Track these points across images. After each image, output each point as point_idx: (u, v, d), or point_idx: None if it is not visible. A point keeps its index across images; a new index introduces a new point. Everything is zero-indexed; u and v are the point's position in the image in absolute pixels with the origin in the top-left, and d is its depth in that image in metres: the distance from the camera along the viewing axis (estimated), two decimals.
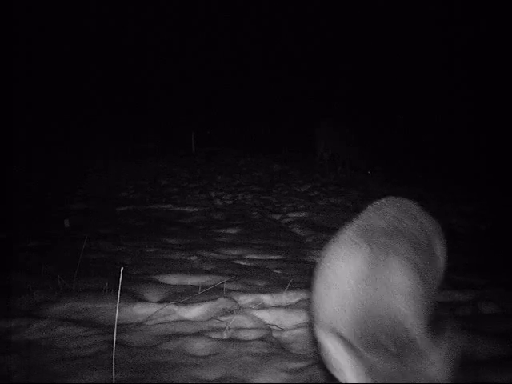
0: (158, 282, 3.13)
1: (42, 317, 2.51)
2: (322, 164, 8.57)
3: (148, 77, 15.94)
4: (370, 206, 1.91)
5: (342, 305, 1.37)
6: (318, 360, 2.10)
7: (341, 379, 1.29)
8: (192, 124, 12.27)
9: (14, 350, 2.16)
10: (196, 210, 5.70)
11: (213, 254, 3.85)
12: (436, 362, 1.17)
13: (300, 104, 14.85)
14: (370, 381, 1.17)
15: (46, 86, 13.63)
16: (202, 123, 13.60)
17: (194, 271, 3.36)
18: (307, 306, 2.71)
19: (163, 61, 16.35)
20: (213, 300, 2.74)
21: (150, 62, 16.27)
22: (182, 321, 2.54)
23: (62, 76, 14.16)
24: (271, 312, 2.65)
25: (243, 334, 2.40)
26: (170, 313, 2.62)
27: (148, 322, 2.53)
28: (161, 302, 2.78)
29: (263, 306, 2.77)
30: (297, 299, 2.87)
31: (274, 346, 2.28)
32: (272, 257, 3.89)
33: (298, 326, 2.52)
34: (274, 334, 2.44)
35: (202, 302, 2.73)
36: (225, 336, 2.38)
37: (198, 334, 2.36)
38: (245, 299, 2.84)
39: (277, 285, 3.10)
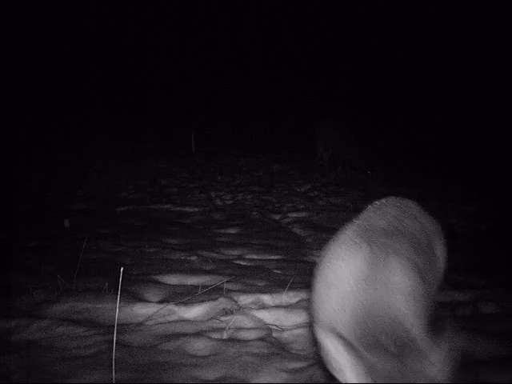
0: (157, 282, 3.13)
1: (42, 317, 2.51)
2: (322, 164, 8.57)
3: (148, 77, 15.94)
4: (369, 206, 1.91)
5: (341, 305, 1.37)
6: (318, 360, 2.10)
7: (341, 379, 1.29)
8: (192, 124, 12.27)
9: (13, 350, 2.16)
10: (196, 209, 5.70)
11: (213, 254, 3.85)
12: (436, 362, 1.17)
13: (300, 104, 14.85)
14: (370, 381, 1.17)
15: (46, 85, 13.63)
16: (202, 123, 13.60)
17: (194, 271, 3.36)
18: (307, 306, 2.71)
19: (163, 61, 16.35)
20: (213, 300, 2.74)
21: (150, 62, 16.27)
22: (182, 321, 2.54)
23: (62, 76, 14.16)
24: (271, 312, 2.65)
25: (243, 334, 2.40)
26: (169, 313, 2.62)
27: (148, 322, 2.53)
28: (161, 301, 2.78)
29: (263, 306, 2.77)
30: (297, 299, 2.87)
31: (274, 346, 2.28)
32: (272, 257, 3.89)
33: (297, 326, 2.52)
34: (274, 334, 2.44)
35: (202, 301, 2.73)
36: (225, 336, 2.38)
37: (198, 334, 2.36)
38: (245, 299, 2.84)
39: (277, 285, 3.10)
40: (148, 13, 16.38)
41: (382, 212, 1.79)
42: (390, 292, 1.35)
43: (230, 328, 2.44)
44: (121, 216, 5.27)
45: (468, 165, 9.37)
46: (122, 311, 2.60)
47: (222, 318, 2.54)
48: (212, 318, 2.57)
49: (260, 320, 2.56)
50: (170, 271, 3.34)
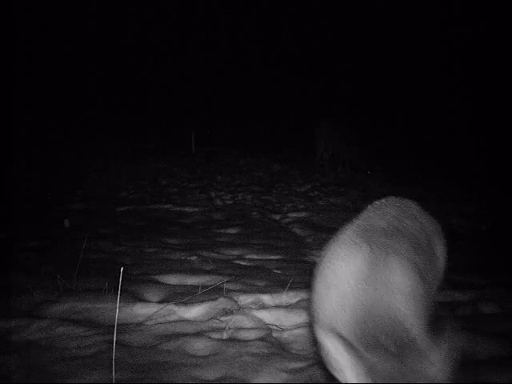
0: (158, 282, 3.13)
1: (42, 317, 2.51)
2: (322, 164, 8.56)
3: (148, 77, 15.94)
4: (369, 206, 1.91)
5: (341, 305, 1.37)
6: (318, 360, 2.10)
7: (341, 379, 1.29)
8: (192, 124, 12.27)
9: (14, 350, 2.16)
10: (196, 209, 5.70)
11: (213, 254, 3.85)
12: (436, 361, 1.17)
13: (300, 104, 14.85)
14: (370, 381, 1.17)
15: (46, 85, 13.63)
16: (202, 123, 13.60)
17: (194, 271, 3.36)
18: (307, 306, 2.71)
19: (163, 61, 16.35)
20: (213, 300, 2.74)
21: (150, 62, 16.27)
22: (182, 321, 2.54)
23: (62, 76, 14.16)
24: (271, 312, 2.65)
25: (243, 334, 2.40)
26: (169, 313, 2.62)
27: (148, 322, 2.53)
28: (161, 301, 2.78)
29: (263, 306, 2.77)
30: (297, 299, 2.87)
31: (274, 346, 2.28)
32: (272, 257, 3.89)
33: (298, 326, 2.52)
34: (274, 334, 2.44)
35: (202, 302, 2.73)
36: (225, 336, 2.38)
37: (198, 334, 2.36)
38: (245, 299, 2.84)
39: (277, 285, 3.10)
40: (148, 13, 16.39)
41: (382, 212, 1.79)
42: (390, 292, 1.35)
43: (230, 328, 2.44)
44: (121, 216, 5.27)
45: (468, 165, 9.37)
46: (122, 311, 2.60)
47: (222, 318, 2.54)
48: (212, 318, 2.57)
49: (260, 320, 2.56)
50: (170, 271, 3.34)
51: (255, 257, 3.88)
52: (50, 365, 2.06)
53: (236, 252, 3.98)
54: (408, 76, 14.05)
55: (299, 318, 2.61)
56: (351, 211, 5.64)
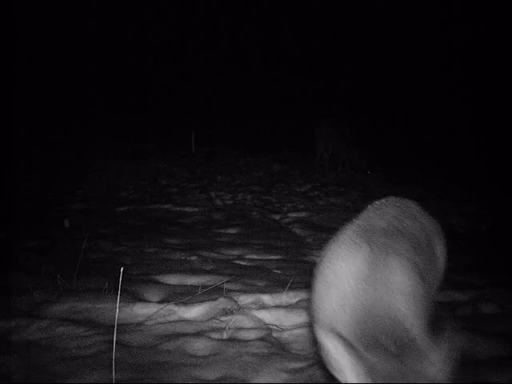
0: (158, 282, 3.13)
1: (42, 317, 2.51)
2: (322, 164, 8.56)
3: (148, 77, 15.94)
4: (370, 206, 1.91)
5: (341, 305, 1.37)
6: (318, 360, 2.10)
7: (341, 379, 1.29)
8: (192, 124, 12.27)
9: (14, 350, 2.16)
10: (196, 209, 5.70)
11: (213, 254, 3.85)
12: (436, 361, 1.17)
13: (300, 104, 14.85)
14: (370, 381, 1.17)
15: (46, 85, 13.63)
16: (202, 123, 13.60)
17: (194, 271, 3.36)
18: (307, 306, 2.71)
19: (163, 61, 16.35)
20: (213, 300, 2.74)
21: (150, 62, 16.27)
22: (182, 321, 2.54)
23: (62, 76, 14.16)
24: (271, 312, 2.65)
25: (243, 334, 2.40)
26: (169, 313, 2.62)
27: (148, 322, 2.53)
28: (161, 301, 2.78)
29: (263, 306, 2.77)
30: (297, 299, 2.87)
31: (274, 346, 2.28)
32: (272, 257, 3.89)
33: (298, 326, 2.52)
34: (274, 334, 2.44)
35: (202, 302, 2.73)
36: (225, 336, 2.38)
37: (198, 334, 2.36)
38: (245, 299, 2.84)
39: (277, 285, 3.10)
40: (148, 13, 16.39)
41: (382, 212, 1.79)
42: (390, 292, 1.35)
43: (230, 328, 2.44)
44: (121, 216, 5.27)
45: (468, 165, 9.37)
46: (122, 311, 2.60)
47: (222, 318, 2.54)
48: (212, 318, 2.57)
49: (260, 320, 2.56)
50: (170, 271, 3.34)
51: (255, 257, 3.88)
52: (50, 365, 2.06)
53: (236, 252, 3.98)
54: (408, 76, 14.05)
55: (299, 317, 2.61)
56: (351, 211, 5.64)
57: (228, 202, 6.27)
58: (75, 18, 14.84)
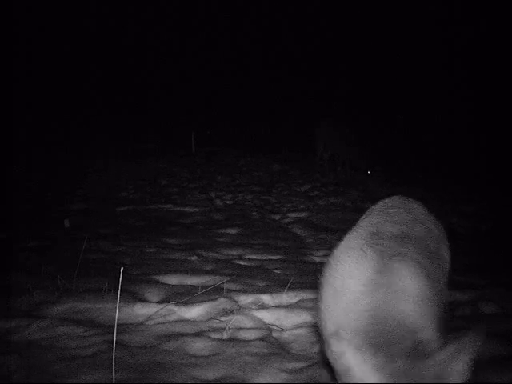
0: (158, 282, 3.13)
1: (42, 317, 2.51)
2: (322, 164, 8.56)
3: (148, 77, 15.94)
4: (375, 207, 1.91)
5: (349, 309, 1.36)
6: (318, 360, 2.11)
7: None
8: (192, 124, 12.27)
9: (14, 350, 2.16)
10: (196, 210, 5.70)
11: (213, 254, 3.85)
12: (444, 364, 1.16)
13: (300, 104, 14.85)
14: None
15: (46, 86, 13.63)
16: (202, 123, 13.60)
17: (194, 271, 3.36)
18: (307, 305, 2.71)
19: (163, 61, 16.36)
20: (213, 300, 2.74)
21: (150, 62, 16.27)
22: (182, 321, 2.54)
23: (62, 76, 14.16)
24: (271, 312, 2.65)
25: (243, 334, 2.40)
26: (170, 313, 2.62)
27: (148, 322, 2.53)
28: (161, 302, 2.78)
29: (263, 306, 2.77)
30: (297, 299, 2.87)
31: (274, 346, 2.28)
32: (272, 257, 3.89)
33: (298, 326, 2.52)
34: (274, 334, 2.44)
35: (202, 302, 2.73)
36: (225, 336, 2.38)
37: (198, 334, 2.36)
38: (245, 299, 2.84)
39: (277, 285, 3.10)
40: (148, 13, 16.39)
41: (388, 214, 1.78)
42: (398, 296, 1.34)
43: (230, 328, 2.44)
44: (121, 216, 5.27)
45: (468, 165, 9.37)
46: (122, 311, 2.60)
47: (222, 318, 2.54)
48: (212, 318, 2.57)
49: (260, 320, 2.56)
50: (170, 271, 3.34)
51: (255, 257, 3.88)
52: (50, 365, 2.06)
53: (236, 252, 3.98)
54: (408, 76, 14.05)
55: (299, 318, 2.61)
56: (351, 211, 5.64)
57: (228, 202, 6.27)
58: (75, 17, 14.84)
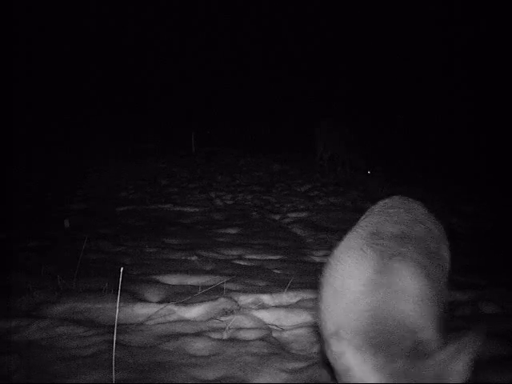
0: (158, 282, 3.13)
1: (42, 317, 2.51)
2: (322, 164, 8.56)
3: (148, 77, 15.94)
4: (375, 207, 1.91)
5: (349, 309, 1.36)
6: (318, 360, 2.11)
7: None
8: (192, 124, 12.27)
9: (14, 350, 2.16)
10: (196, 210, 5.70)
11: (213, 254, 3.85)
12: (444, 364, 1.16)
13: (300, 104, 14.85)
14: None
15: (46, 86, 13.63)
16: (202, 123, 13.60)
17: (194, 271, 3.36)
18: (307, 305, 2.71)
19: (163, 61, 16.36)
20: (213, 300, 2.74)
21: (150, 62, 16.27)
22: (182, 321, 2.54)
23: (62, 76, 14.16)
24: (271, 312, 2.65)
25: (243, 334, 2.40)
26: (170, 313, 2.62)
27: (148, 322, 2.53)
28: (161, 302, 2.78)
29: (263, 306, 2.77)
30: (297, 299, 2.87)
31: (274, 346, 2.28)
32: (272, 257, 3.89)
33: (298, 326, 2.52)
34: (274, 334, 2.44)
35: (202, 302, 2.73)
36: (225, 336, 2.38)
37: (198, 334, 2.36)
38: (245, 299, 2.84)
39: (277, 285, 3.10)
40: (148, 13, 16.39)
41: (388, 214, 1.78)
42: (398, 297, 1.34)
43: (230, 328, 2.44)
44: (121, 216, 5.27)
45: (468, 165, 9.37)
46: (122, 311, 2.60)
47: (222, 318, 2.54)
48: (212, 318, 2.57)
49: (260, 320, 2.56)
50: (170, 271, 3.34)
51: (255, 257, 3.88)
52: (49, 365, 2.06)
53: (236, 252, 3.98)
54: (408, 76, 14.05)
55: (299, 318, 2.61)
56: (351, 211, 5.64)
57: (228, 202, 6.26)
58: (75, 17, 14.85)
